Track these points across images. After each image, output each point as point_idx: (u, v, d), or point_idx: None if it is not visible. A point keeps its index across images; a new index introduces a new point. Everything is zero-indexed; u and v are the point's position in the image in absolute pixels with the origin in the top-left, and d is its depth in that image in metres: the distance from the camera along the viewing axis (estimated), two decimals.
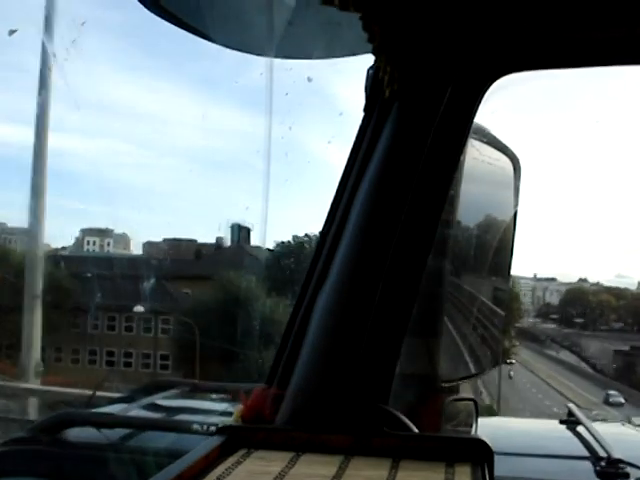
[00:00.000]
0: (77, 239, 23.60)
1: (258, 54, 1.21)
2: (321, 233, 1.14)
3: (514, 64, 1.14)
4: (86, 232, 24.10)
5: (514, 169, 1.52)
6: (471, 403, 1.44)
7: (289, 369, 1.05)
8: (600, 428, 1.64)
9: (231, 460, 0.84)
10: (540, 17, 1.08)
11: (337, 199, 1.13)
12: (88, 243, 24.37)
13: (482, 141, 1.32)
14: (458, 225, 1.29)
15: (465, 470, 0.83)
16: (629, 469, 1.34)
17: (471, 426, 1.43)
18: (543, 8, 1.07)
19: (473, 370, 1.45)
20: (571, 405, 1.77)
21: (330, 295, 1.05)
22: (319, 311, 1.06)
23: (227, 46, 1.20)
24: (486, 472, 0.83)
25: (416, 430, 1.00)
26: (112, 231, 23.93)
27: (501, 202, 1.54)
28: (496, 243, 1.55)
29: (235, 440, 0.90)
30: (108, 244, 24.55)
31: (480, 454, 0.86)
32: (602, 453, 1.40)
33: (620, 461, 1.26)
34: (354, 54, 1.19)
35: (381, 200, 1.07)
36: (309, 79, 1.22)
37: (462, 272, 1.39)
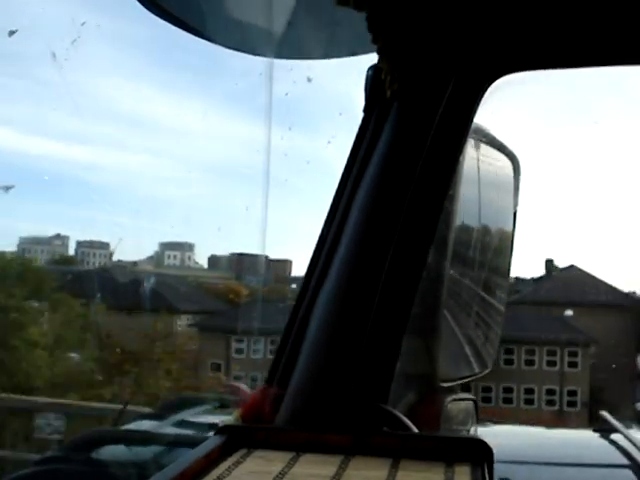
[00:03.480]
0: (157, 253, 22.52)
1: (257, 54, 1.21)
2: (320, 233, 1.14)
3: (514, 64, 1.14)
4: (165, 246, 22.85)
5: (514, 169, 1.52)
6: (471, 403, 1.44)
7: (289, 369, 1.05)
8: (638, 435, 1.60)
9: (231, 460, 0.85)
10: (540, 17, 1.08)
11: (336, 199, 1.13)
12: (169, 257, 23.12)
13: (482, 141, 1.32)
14: (457, 225, 1.30)
15: (465, 470, 0.84)
16: None
17: (471, 426, 1.43)
18: (543, 8, 1.07)
19: (473, 370, 1.45)
20: (604, 413, 1.72)
21: (330, 295, 1.06)
22: (319, 311, 1.06)
23: (226, 46, 1.20)
24: (486, 472, 0.83)
25: (416, 430, 1.00)
26: (193, 245, 22.70)
27: (501, 202, 1.54)
28: (496, 243, 1.55)
29: (235, 440, 0.90)
30: (189, 258, 23.29)
31: (480, 454, 0.87)
32: None
33: None
34: (354, 54, 1.19)
35: (380, 200, 1.07)
36: (309, 79, 1.22)
37: (462, 272, 1.39)
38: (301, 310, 1.09)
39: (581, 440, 1.84)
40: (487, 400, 15.51)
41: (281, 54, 1.19)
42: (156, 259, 22.14)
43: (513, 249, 1.61)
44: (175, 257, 23.09)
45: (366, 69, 1.14)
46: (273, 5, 1.15)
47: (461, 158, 1.14)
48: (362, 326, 1.02)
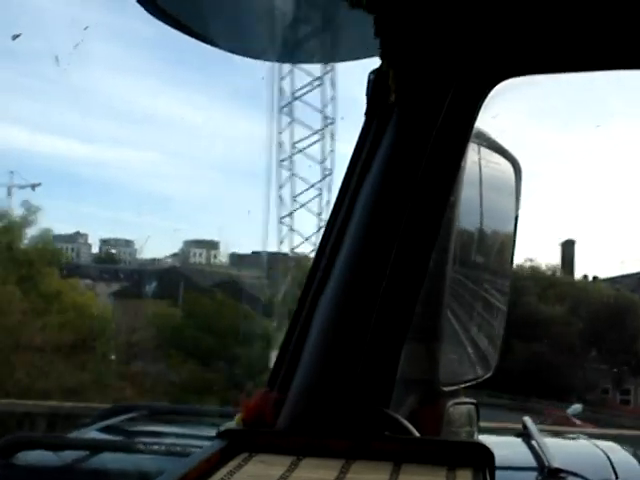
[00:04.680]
0: (182, 251, 22.08)
1: (260, 59, 1.22)
2: (322, 237, 1.14)
3: (515, 68, 1.14)
4: (190, 244, 22.29)
5: (515, 173, 1.52)
6: (473, 407, 1.44)
7: (290, 373, 1.05)
8: (553, 441, 1.78)
9: (232, 464, 0.85)
10: (541, 21, 1.08)
11: (338, 203, 1.13)
12: (194, 255, 22.56)
13: (483, 145, 1.32)
14: (459, 229, 1.30)
15: (466, 475, 0.84)
16: (570, 478, 1.41)
17: (472, 430, 1.43)
18: (544, 12, 1.07)
19: (476, 374, 1.45)
20: (526, 418, 1.82)
21: (331, 299, 1.06)
22: (320, 315, 1.06)
23: (231, 51, 1.20)
24: (487, 477, 0.83)
25: (417, 434, 1.00)
26: (218, 243, 21.90)
27: (502, 206, 1.54)
28: (497, 247, 1.55)
29: (236, 444, 0.90)
30: (214, 256, 22.50)
31: (481, 459, 0.87)
32: (547, 464, 1.48)
33: (560, 470, 1.33)
34: (356, 58, 1.19)
35: (382, 204, 1.07)
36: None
37: (463, 275, 1.39)
38: (302, 314, 1.09)
39: (503, 445, 1.89)
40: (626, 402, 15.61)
41: (285, 59, 1.19)
42: (182, 257, 21.88)
43: (514, 254, 1.62)
44: (201, 255, 22.66)
45: (367, 73, 1.15)
46: (276, 10, 1.15)
47: (463, 162, 1.14)
48: (363, 330, 1.02)
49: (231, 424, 1.00)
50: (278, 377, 1.07)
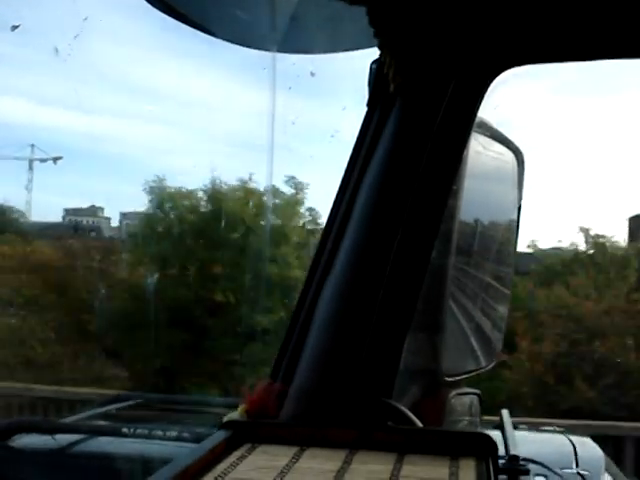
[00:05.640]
0: None
1: (260, 49, 1.21)
2: (324, 227, 1.14)
3: (518, 58, 1.14)
4: None
5: (518, 163, 1.51)
6: (475, 397, 1.44)
7: (293, 364, 1.05)
8: (526, 433, 1.94)
9: (236, 454, 0.85)
10: (543, 10, 1.07)
11: (340, 193, 1.13)
12: None
13: (485, 135, 1.31)
14: (461, 219, 1.29)
15: (469, 464, 0.84)
16: (530, 466, 1.45)
17: (475, 420, 1.43)
18: (546, 2, 1.07)
19: (478, 364, 1.45)
20: (503, 411, 1.87)
21: (334, 289, 1.06)
22: (323, 306, 1.06)
23: (230, 41, 1.20)
24: (490, 466, 0.83)
25: (420, 424, 1.00)
26: None
27: (505, 195, 1.54)
28: (500, 237, 1.54)
29: (240, 435, 0.90)
30: None
31: (484, 448, 0.87)
32: (509, 452, 1.53)
33: (518, 457, 1.40)
34: (358, 48, 1.19)
35: (384, 194, 1.07)
36: (312, 74, 1.22)
37: (466, 266, 1.39)
38: (305, 306, 1.09)
39: None
40: None
41: (284, 49, 1.19)
42: None
43: (517, 243, 1.61)
44: None
45: (369, 64, 1.14)
46: (276, 0, 1.15)
47: (465, 152, 1.14)
48: (366, 321, 1.02)
49: (234, 415, 1.00)
50: (281, 368, 1.07)
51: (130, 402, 2.82)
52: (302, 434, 0.90)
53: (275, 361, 1.10)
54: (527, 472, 1.44)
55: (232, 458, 0.84)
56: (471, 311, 1.45)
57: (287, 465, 0.81)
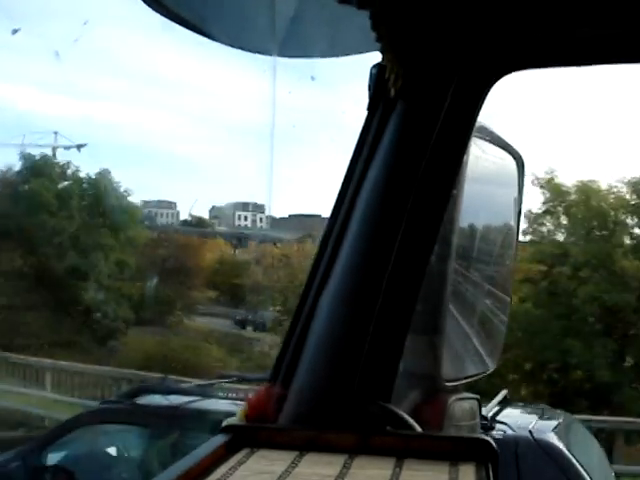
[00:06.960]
0: (225, 214, 21.99)
1: (261, 53, 1.21)
2: (325, 231, 1.14)
3: (517, 62, 1.14)
4: (235, 207, 22.04)
5: (518, 167, 1.51)
6: (475, 402, 1.44)
7: (292, 368, 1.05)
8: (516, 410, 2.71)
9: (235, 459, 0.85)
10: (543, 15, 1.07)
11: (340, 197, 1.13)
12: (239, 218, 22.41)
13: (485, 139, 1.31)
14: (461, 223, 1.29)
15: (469, 469, 0.83)
16: (498, 425, 2.05)
17: (475, 425, 1.43)
18: (546, 6, 1.07)
19: (478, 369, 1.45)
20: (504, 391, 2.48)
21: (333, 293, 1.05)
22: (322, 310, 1.06)
23: (230, 45, 1.20)
24: (490, 472, 0.83)
25: (419, 429, 1.00)
26: (264, 206, 21.60)
27: (505, 200, 1.53)
28: (500, 241, 1.54)
29: (239, 439, 0.90)
30: (261, 220, 22.21)
31: (484, 454, 0.86)
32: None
33: (486, 417, 1.87)
34: (358, 52, 1.19)
35: (384, 198, 1.07)
36: (312, 78, 1.21)
37: (465, 270, 1.38)
38: (304, 309, 1.09)
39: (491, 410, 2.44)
40: None
41: (285, 53, 1.19)
42: (226, 220, 21.75)
43: (517, 247, 1.61)
44: (246, 218, 22.64)
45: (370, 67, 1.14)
46: (276, 4, 1.14)
47: (465, 156, 1.14)
48: (365, 325, 1.02)
49: (234, 419, 1.00)
50: (280, 372, 1.07)
51: (232, 378, 3.88)
52: (301, 438, 0.90)
53: (274, 364, 1.09)
54: (492, 428, 2.07)
55: (231, 462, 0.83)
56: (471, 316, 1.45)
57: (286, 470, 0.81)
